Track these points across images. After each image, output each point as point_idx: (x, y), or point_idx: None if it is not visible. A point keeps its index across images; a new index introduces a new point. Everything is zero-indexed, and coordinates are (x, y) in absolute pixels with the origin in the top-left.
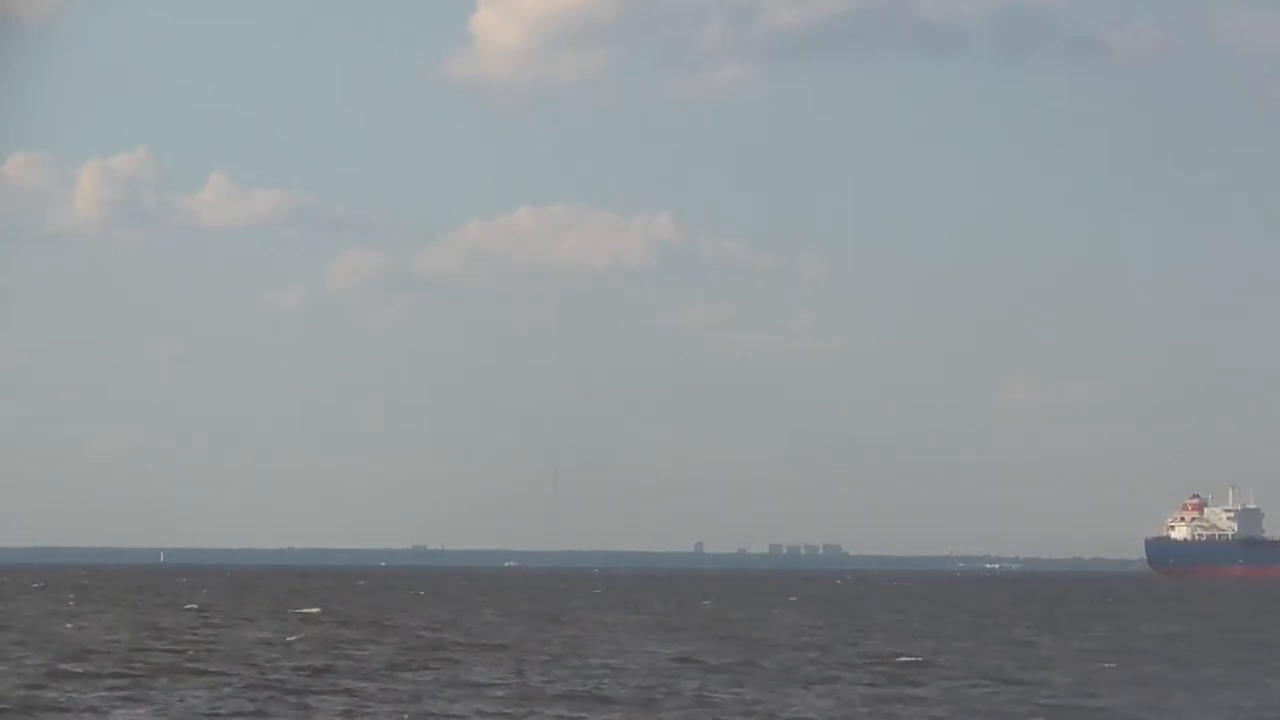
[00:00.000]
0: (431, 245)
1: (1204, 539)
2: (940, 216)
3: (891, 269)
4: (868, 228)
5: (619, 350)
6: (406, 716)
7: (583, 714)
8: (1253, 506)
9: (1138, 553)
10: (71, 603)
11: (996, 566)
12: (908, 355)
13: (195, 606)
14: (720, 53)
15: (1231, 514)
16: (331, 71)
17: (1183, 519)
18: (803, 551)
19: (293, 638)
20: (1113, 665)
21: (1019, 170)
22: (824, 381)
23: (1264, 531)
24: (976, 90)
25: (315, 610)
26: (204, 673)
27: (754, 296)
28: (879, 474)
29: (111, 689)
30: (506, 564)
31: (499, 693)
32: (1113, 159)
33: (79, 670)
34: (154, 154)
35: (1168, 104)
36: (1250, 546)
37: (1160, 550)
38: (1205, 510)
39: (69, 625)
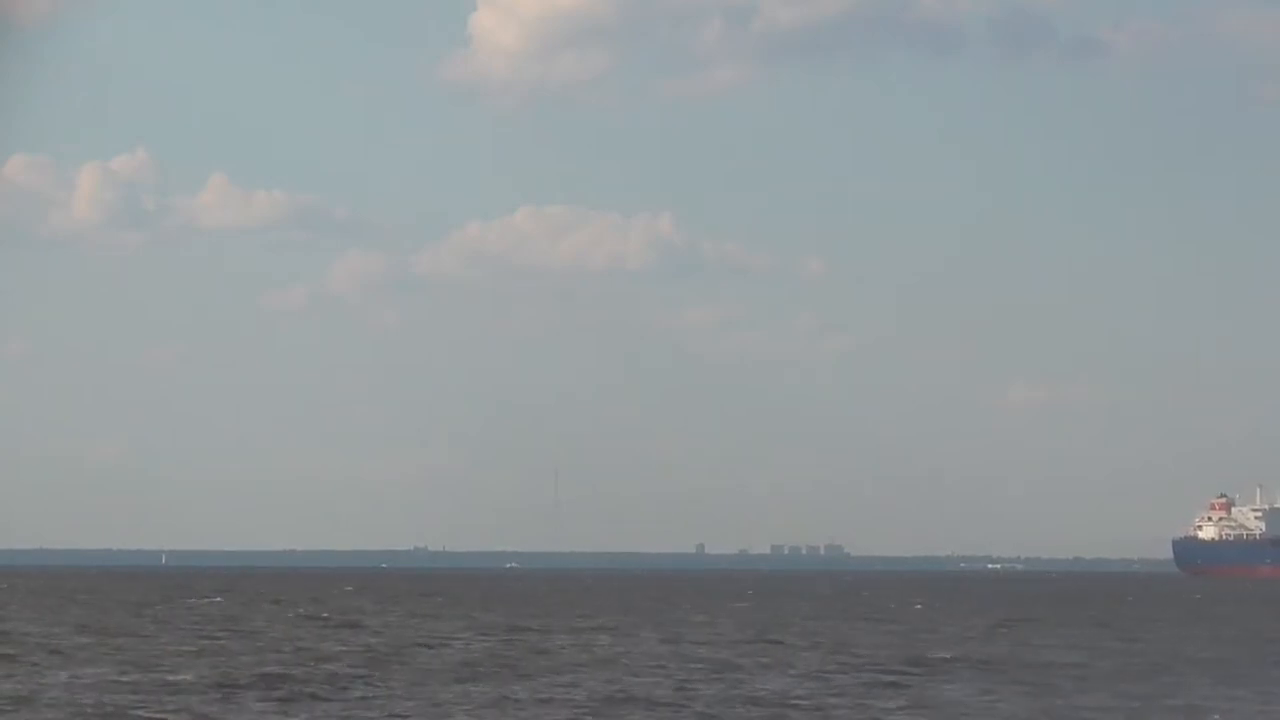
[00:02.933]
0: (432, 246)
1: (1231, 539)
2: (940, 216)
3: (892, 269)
4: (868, 228)
5: (619, 351)
6: None
7: None
8: None
9: (1139, 553)
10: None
11: (999, 567)
12: (908, 355)
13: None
14: (719, 53)
15: (1260, 513)
16: (331, 72)
17: (1210, 518)
18: (804, 552)
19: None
20: None
21: (1019, 170)
22: (824, 381)
23: None
24: (976, 90)
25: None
26: None
27: (754, 296)
28: (880, 474)
29: None
30: (508, 565)
31: None
32: (1113, 158)
33: None
34: (154, 156)
35: (1167, 103)
36: (1279, 546)
37: (1187, 550)
38: (1233, 510)
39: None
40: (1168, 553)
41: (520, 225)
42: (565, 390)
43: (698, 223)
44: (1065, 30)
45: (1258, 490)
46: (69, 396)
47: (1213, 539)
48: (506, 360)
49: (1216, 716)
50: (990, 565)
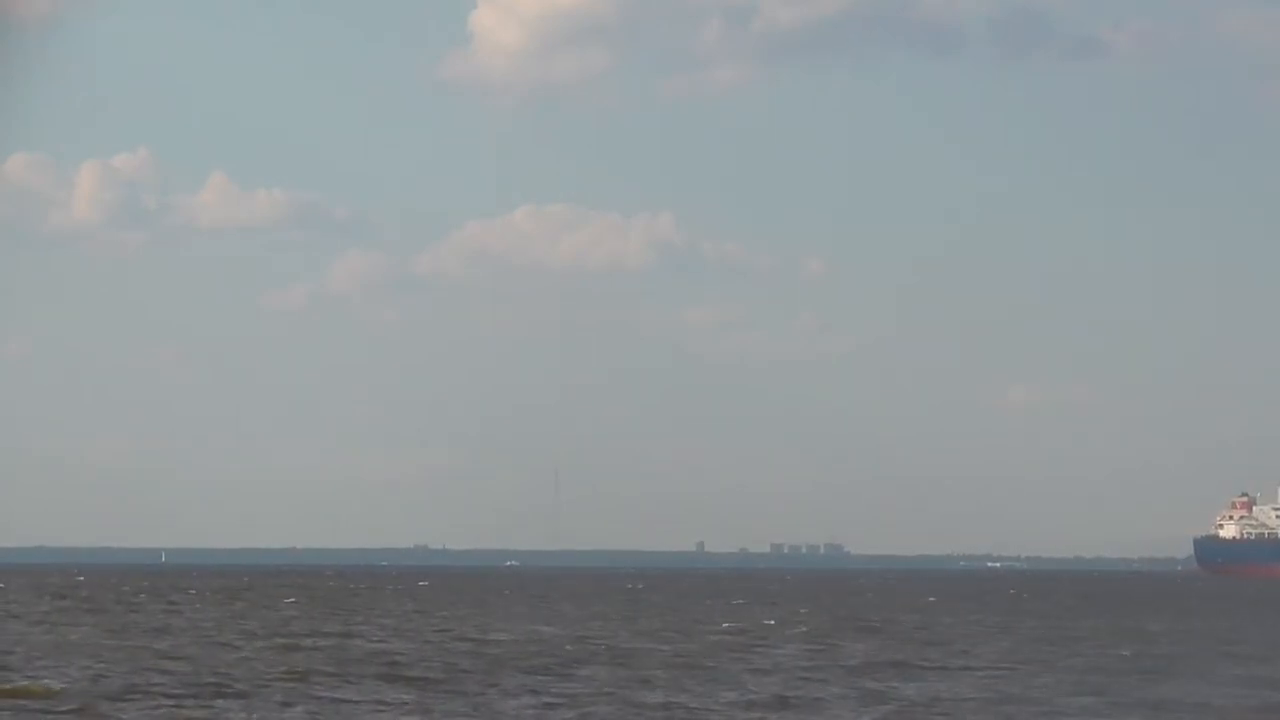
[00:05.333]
0: (432, 246)
1: (1252, 537)
2: (940, 216)
3: (892, 268)
4: (868, 227)
5: (619, 350)
6: None
7: None
8: None
9: (1137, 551)
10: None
11: (999, 565)
12: (908, 355)
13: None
14: (719, 52)
15: None
16: (331, 71)
17: (1231, 517)
18: (804, 551)
19: None
20: None
21: (1019, 170)
22: (825, 381)
23: None
24: (976, 90)
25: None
26: None
27: (754, 296)
28: (880, 473)
29: None
30: (508, 563)
31: None
32: (1113, 158)
33: None
34: (154, 154)
35: (1168, 103)
36: None
37: (1208, 549)
38: (1254, 509)
39: None
40: (1167, 551)
41: (520, 225)
42: (565, 390)
43: (698, 223)
44: (1065, 30)
45: (1278, 490)
46: (69, 396)
47: (1234, 538)
48: (506, 360)
49: None
50: (990, 564)
